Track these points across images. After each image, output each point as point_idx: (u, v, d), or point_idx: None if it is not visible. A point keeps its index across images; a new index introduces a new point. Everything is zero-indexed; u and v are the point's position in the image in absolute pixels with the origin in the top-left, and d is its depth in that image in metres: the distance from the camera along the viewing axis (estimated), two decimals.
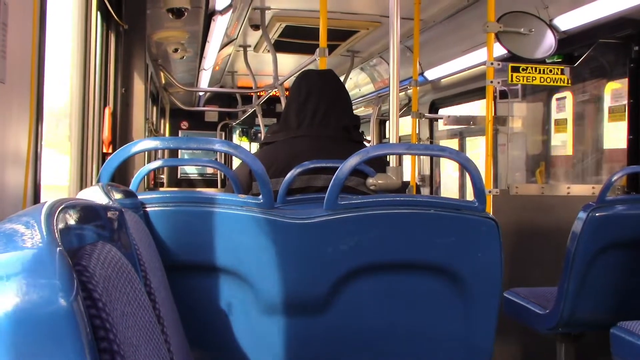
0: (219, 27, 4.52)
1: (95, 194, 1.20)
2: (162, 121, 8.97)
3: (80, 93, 2.76)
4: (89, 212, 0.85)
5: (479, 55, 4.35)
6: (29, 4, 1.60)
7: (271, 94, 6.66)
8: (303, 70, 3.06)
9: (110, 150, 3.28)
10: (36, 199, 1.68)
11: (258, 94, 7.17)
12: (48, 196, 2.13)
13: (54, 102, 2.64)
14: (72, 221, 0.74)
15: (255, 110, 7.59)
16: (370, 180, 2.25)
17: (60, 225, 0.68)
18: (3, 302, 0.51)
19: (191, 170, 10.02)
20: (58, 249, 0.57)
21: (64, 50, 2.72)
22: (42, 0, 1.69)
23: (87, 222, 0.82)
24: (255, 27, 5.20)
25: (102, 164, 3.26)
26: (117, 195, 1.30)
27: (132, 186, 2.26)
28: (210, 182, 9.92)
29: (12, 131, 1.50)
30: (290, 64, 6.35)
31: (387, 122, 7.83)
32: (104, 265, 0.74)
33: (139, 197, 1.55)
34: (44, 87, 1.75)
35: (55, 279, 0.53)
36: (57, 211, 0.70)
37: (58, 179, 2.69)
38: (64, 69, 2.72)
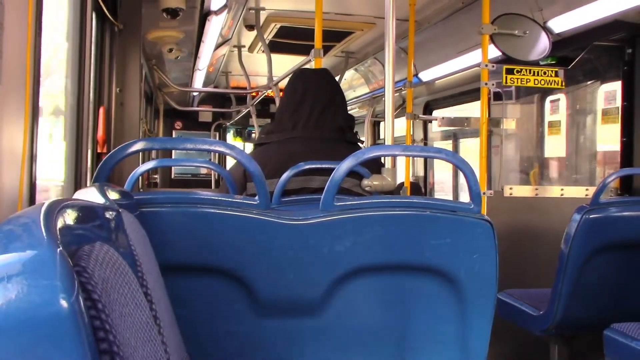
0: (214, 27, 4.52)
1: (92, 195, 1.19)
2: (156, 121, 8.95)
3: (74, 92, 2.75)
4: (88, 213, 0.85)
5: (474, 57, 4.36)
6: (24, 3, 1.60)
7: (265, 94, 6.66)
8: (299, 69, 3.05)
9: (104, 150, 3.27)
10: (32, 198, 1.68)
11: (252, 94, 7.17)
12: (43, 195, 2.12)
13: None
14: (71, 221, 0.74)
15: (249, 110, 7.59)
16: (365, 182, 2.25)
17: (60, 226, 0.68)
18: (4, 303, 0.51)
19: (185, 171, 9.99)
20: (58, 249, 0.57)
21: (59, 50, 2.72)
22: (38, 0, 1.69)
23: (86, 223, 0.82)
24: (250, 28, 5.20)
25: (97, 163, 3.26)
26: (114, 196, 1.30)
27: (127, 186, 2.26)
28: (204, 182, 9.90)
29: (8, 131, 1.49)
30: (284, 64, 6.34)
31: (381, 123, 7.84)
32: (102, 266, 0.73)
33: (135, 197, 1.54)
34: (39, 87, 1.74)
35: (56, 280, 0.53)
36: (56, 212, 0.70)
37: None
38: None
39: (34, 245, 0.57)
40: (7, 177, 1.51)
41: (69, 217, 0.74)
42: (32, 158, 1.67)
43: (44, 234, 0.60)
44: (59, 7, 2.66)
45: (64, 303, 0.52)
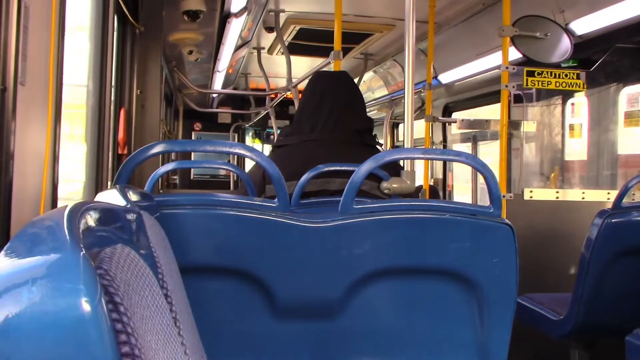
0: (234, 29, 4.54)
1: (113, 197, 1.20)
2: (175, 122, 9.01)
3: (96, 94, 2.78)
4: (109, 215, 0.86)
5: (494, 59, 4.33)
6: (48, 6, 1.62)
7: (284, 96, 6.68)
8: (317, 71, 3.05)
9: (125, 152, 3.30)
10: (54, 198, 1.69)
11: (271, 96, 7.19)
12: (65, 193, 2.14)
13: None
14: (93, 224, 0.75)
15: (268, 112, 7.61)
16: (384, 184, 2.24)
17: (82, 229, 0.68)
18: (28, 307, 0.51)
19: (204, 172, 10.04)
20: (82, 253, 0.57)
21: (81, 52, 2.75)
22: (61, 2, 1.71)
23: (108, 225, 0.83)
24: (270, 30, 5.21)
25: (117, 165, 3.29)
26: (135, 198, 1.31)
27: (147, 188, 2.27)
28: (222, 184, 9.94)
29: (31, 132, 1.51)
30: (303, 66, 6.36)
31: (400, 125, 7.82)
32: (123, 269, 0.74)
33: (155, 199, 1.55)
34: (62, 89, 1.76)
35: (80, 283, 0.53)
36: (79, 214, 0.71)
37: None
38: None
39: (57, 248, 0.58)
40: (31, 177, 1.53)
41: (92, 219, 0.75)
42: (55, 159, 1.69)
43: (67, 237, 0.61)
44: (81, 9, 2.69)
45: (87, 307, 0.52)
